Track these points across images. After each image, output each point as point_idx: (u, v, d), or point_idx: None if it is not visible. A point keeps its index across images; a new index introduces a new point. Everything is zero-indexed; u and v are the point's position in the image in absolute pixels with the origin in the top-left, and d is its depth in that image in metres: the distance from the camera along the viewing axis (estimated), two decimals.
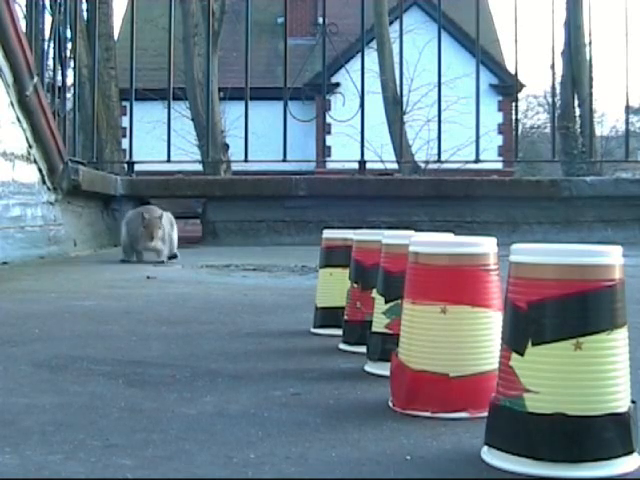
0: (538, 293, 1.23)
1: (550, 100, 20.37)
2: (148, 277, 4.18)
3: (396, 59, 8.85)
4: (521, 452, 1.23)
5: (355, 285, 2.26)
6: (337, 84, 16.29)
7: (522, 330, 1.25)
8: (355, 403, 1.70)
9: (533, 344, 1.23)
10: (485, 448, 1.30)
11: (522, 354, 1.24)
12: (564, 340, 1.21)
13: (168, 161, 6.83)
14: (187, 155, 12.45)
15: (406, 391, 1.59)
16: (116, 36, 16.39)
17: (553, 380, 1.22)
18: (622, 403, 1.23)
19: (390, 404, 1.65)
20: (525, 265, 1.26)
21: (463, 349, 1.55)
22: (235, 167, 12.92)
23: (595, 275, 1.22)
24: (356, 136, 7.02)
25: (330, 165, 15.90)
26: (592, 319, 1.21)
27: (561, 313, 1.22)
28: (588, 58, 13.48)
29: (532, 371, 1.23)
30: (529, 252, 1.27)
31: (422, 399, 1.57)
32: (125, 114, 14.68)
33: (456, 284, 1.55)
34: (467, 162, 7.62)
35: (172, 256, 5.22)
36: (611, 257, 1.24)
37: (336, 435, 1.47)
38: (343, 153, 8.52)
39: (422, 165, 12.25)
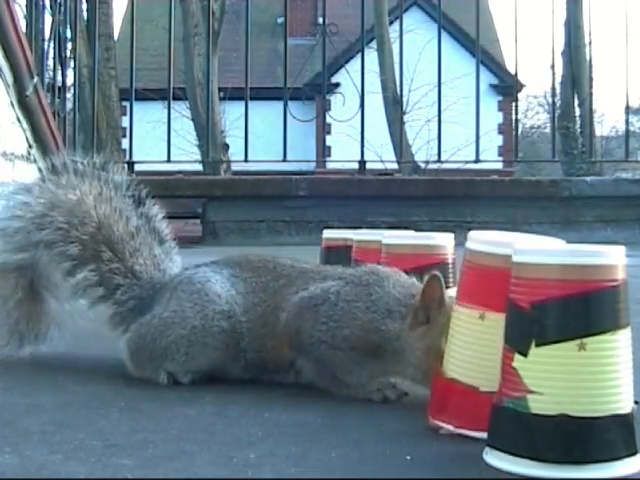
0: (541, 293, 1.22)
1: (550, 100, 20.36)
2: None
3: (396, 59, 8.85)
4: (524, 453, 1.21)
5: None
6: (337, 84, 16.26)
7: (525, 331, 1.23)
8: (355, 403, 1.70)
9: (536, 345, 1.21)
10: (487, 449, 1.29)
11: (525, 355, 1.23)
12: (568, 341, 1.20)
13: (168, 161, 6.82)
14: (187, 155, 12.44)
15: (436, 399, 1.49)
16: (116, 36, 16.39)
17: (557, 381, 1.20)
18: (625, 404, 1.22)
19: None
20: (528, 265, 1.24)
21: (495, 362, 1.35)
22: (235, 167, 12.90)
23: (598, 275, 1.21)
24: (356, 136, 7.01)
25: (330, 165, 15.89)
26: (595, 320, 1.20)
27: (564, 313, 1.20)
28: (588, 58, 13.48)
29: (535, 372, 1.22)
30: (532, 252, 1.25)
31: (451, 411, 1.45)
32: (125, 114, 14.67)
33: (501, 289, 1.34)
34: (467, 162, 7.61)
35: None
36: (614, 257, 1.22)
37: (336, 435, 1.46)
38: (343, 153, 8.51)
39: (422, 165, 12.24)
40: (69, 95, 7.50)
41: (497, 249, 1.42)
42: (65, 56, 7.20)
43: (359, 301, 1.74)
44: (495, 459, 1.26)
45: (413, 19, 19.31)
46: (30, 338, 2.09)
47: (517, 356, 1.24)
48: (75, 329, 2.55)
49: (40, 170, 1.81)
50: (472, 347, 1.43)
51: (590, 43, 10.50)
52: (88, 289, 1.98)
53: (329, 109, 8.92)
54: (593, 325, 1.20)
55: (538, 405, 1.21)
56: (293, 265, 1.90)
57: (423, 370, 1.65)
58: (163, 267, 2.03)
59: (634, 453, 1.22)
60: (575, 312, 1.20)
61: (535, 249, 1.26)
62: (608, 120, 27.79)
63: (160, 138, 7.84)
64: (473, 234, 1.50)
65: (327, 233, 2.66)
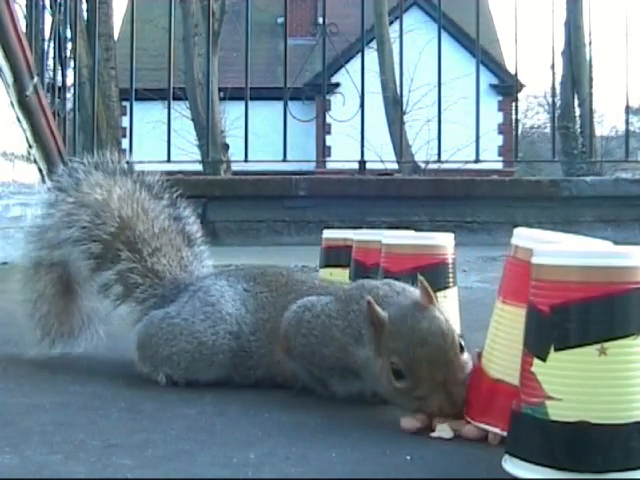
0: (561, 296, 1.17)
1: (550, 100, 20.38)
2: None
3: (396, 59, 8.86)
4: (543, 461, 1.17)
5: None
6: (337, 84, 16.26)
7: (544, 335, 1.19)
8: (355, 403, 1.70)
9: (556, 349, 1.17)
10: (506, 457, 1.24)
11: (544, 360, 1.18)
12: (588, 345, 1.15)
13: (168, 161, 6.82)
14: (187, 155, 12.44)
15: (482, 401, 1.43)
16: (116, 36, 16.40)
17: (576, 387, 1.15)
18: None
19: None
20: (548, 267, 1.20)
21: None
22: (235, 167, 12.90)
23: (621, 277, 1.16)
24: (356, 136, 7.01)
25: (330, 165, 15.90)
26: (618, 323, 1.16)
27: (585, 317, 1.16)
28: (588, 58, 13.49)
29: (555, 377, 1.17)
30: (552, 254, 1.20)
31: (497, 413, 1.39)
32: (125, 114, 14.68)
33: None
34: (467, 162, 7.61)
35: None
36: (637, 258, 1.17)
37: (336, 435, 1.46)
38: (343, 153, 8.51)
39: (422, 165, 12.25)
40: (69, 95, 7.51)
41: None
42: (65, 56, 7.21)
43: (339, 318, 1.66)
44: (514, 467, 1.21)
45: (413, 19, 19.34)
46: (59, 337, 2.10)
47: (536, 361, 1.20)
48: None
49: (73, 169, 1.82)
50: (518, 346, 1.33)
51: (590, 43, 10.51)
52: (110, 288, 2.00)
53: (329, 109, 8.91)
54: (615, 329, 1.15)
55: (557, 411, 1.16)
56: (304, 280, 1.87)
57: (396, 402, 1.56)
58: (191, 269, 2.03)
59: None
60: (596, 315, 1.16)
61: (555, 251, 1.21)
62: (608, 120, 27.86)
63: (160, 138, 7.84)
64: (520, 231, 1.45)
65: (327, 233, 2.66)
